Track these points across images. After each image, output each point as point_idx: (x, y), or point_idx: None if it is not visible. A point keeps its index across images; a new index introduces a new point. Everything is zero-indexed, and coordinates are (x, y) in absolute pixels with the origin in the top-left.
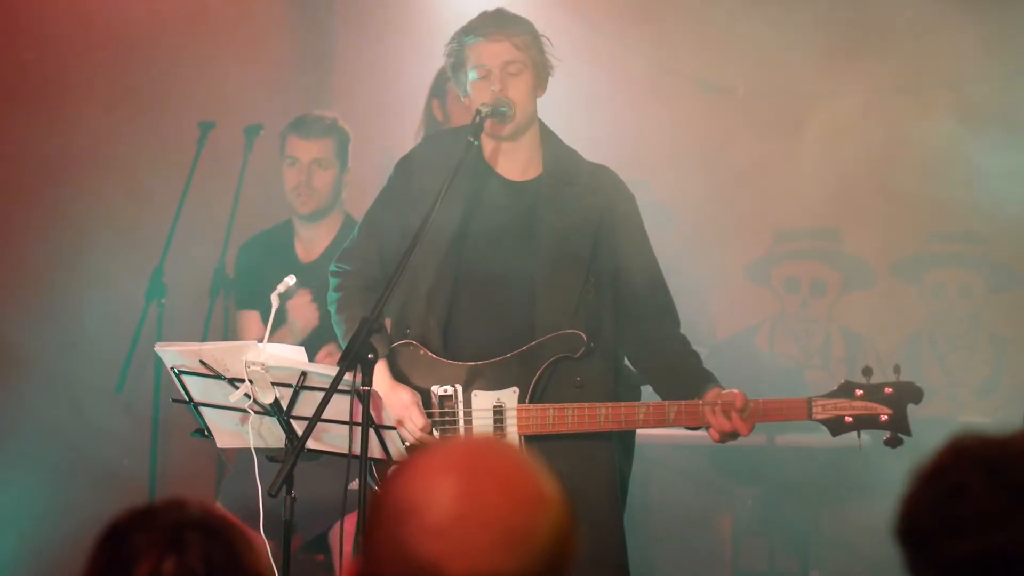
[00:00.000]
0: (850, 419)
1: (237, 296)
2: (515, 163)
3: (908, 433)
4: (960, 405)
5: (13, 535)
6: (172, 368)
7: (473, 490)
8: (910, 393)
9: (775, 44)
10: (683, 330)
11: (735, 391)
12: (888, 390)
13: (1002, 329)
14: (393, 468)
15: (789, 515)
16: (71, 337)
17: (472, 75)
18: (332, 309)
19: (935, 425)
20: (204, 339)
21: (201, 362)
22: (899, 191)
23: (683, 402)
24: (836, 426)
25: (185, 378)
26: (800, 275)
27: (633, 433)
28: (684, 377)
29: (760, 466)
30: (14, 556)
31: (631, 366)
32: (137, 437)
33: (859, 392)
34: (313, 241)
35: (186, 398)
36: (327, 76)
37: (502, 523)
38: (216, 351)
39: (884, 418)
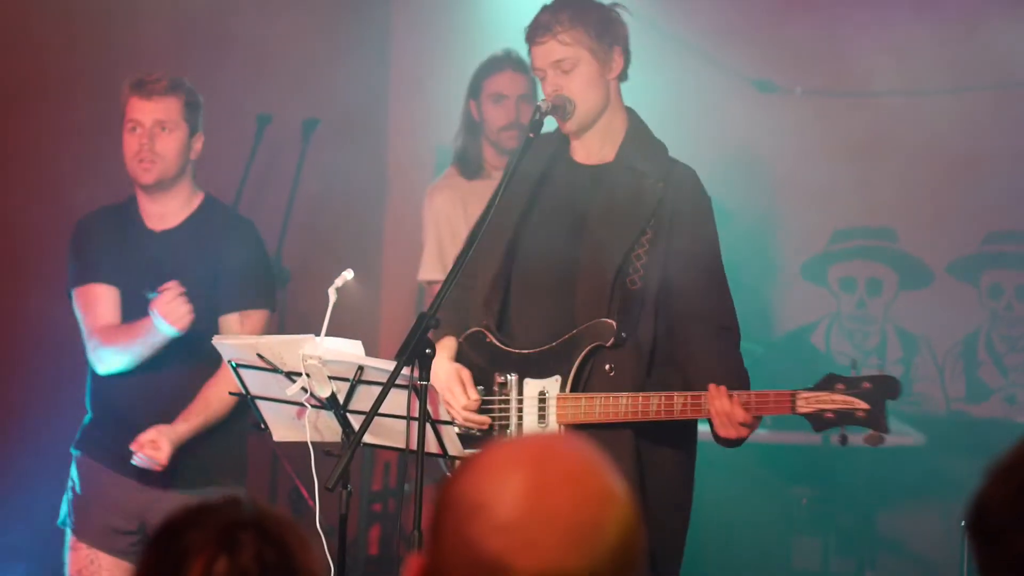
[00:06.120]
0: (831, 414)
1: (74, 272)
2: (588, 147)
3: (885, 431)
4: (1018, 407)
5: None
6: (229, 361)
7: (541, 486)
8: (888, 387)
9: (833, 44)
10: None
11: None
12: (866, 384)
13: None
14: (460, 463)
15: (844, 516)
16: None
17: (536, 77)
18: None
19: (994, 426)
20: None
21: (258, 355)
22: (956, 190)
23: (688, 392)
24: (818, 421)
25: (242, 371)
26: (856, 274)
27: (694, 427)
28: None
29: (814, 466)
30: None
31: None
32: None
33: (840, 386)
34: (166, 217)
35: (244, 391)
36: (384, 69)
37: (570, 520)
38: (273, 344)
39: (861, 413)
